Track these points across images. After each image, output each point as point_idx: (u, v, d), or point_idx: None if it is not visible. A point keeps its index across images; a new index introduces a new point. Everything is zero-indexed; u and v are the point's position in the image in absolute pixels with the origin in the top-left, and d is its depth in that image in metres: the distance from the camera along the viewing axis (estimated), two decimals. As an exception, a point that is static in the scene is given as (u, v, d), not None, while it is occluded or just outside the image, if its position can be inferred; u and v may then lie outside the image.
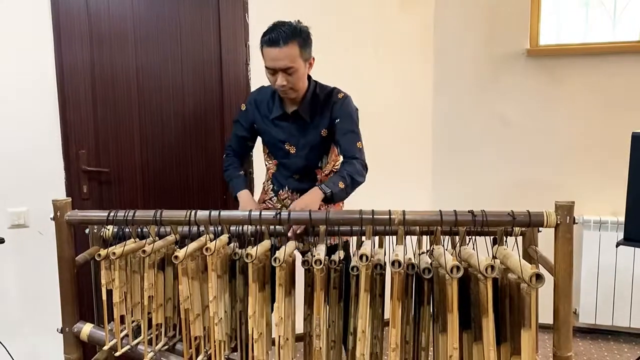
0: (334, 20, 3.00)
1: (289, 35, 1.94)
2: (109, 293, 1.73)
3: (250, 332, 1.64)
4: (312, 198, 1.89)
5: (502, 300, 1.65)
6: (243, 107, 2.27)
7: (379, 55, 3.12)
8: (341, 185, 1.95)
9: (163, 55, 2.68)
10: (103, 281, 1.68)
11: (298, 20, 2.04)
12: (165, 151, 2.74)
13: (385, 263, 1.68)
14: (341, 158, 2.14)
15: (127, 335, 1.78)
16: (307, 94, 2.10)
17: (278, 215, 1.66)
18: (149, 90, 2.67)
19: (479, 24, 3.20)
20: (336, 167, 2.21)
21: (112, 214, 1.70)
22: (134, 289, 1.76)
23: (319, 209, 1.90)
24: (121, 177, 2.67)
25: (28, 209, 2.53)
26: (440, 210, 1.63)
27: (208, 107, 2.80)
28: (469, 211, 1.63)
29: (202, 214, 1.67)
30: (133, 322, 1.81)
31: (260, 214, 1.67)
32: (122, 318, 1.76)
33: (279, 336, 1.63)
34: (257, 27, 2.83)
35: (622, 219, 3.01)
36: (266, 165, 2.32)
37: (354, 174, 2.00)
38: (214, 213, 1.67)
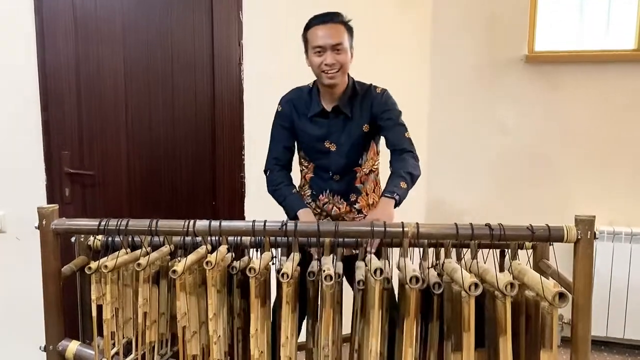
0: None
1: (337, 16, 1.99)
2: (99, 308, 1.60)
3: (252, 352, 1.53)
4: (387, 210, 1.80)
5: (518, 318, 1.57)
6: (279, 109, 2.14)
7: (374, 59, 3.03)
8: (403, 185, 1.87)
9: (152, 53, 2.55)
10: (93, 296, 1.55)
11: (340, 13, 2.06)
12: (153, 154, 2.61)
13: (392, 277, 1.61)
14: (387, 153, 2.08)
15: (117, 353, 1.65)
16: (346, 88, 2.06)
17: (284, 227, 1.56)
18: (137, 90, 2.54)
19: (477, 29, 3.14)
20: (375, 167, 2.17)
21: (103, 222, 1.57)
22: (126, 303, 1.63)
23: None
24: (106, 181, 2.53)
25: (5, 213, 2.38)
26: (455, 224, 1.55)
27: (199, 109, 2.68)
28: (485, 224, 1.55)
29: (202, 224, 1.56)
30: (122, 338, 1.69)
31: (265, 223, 1.56)
32: (110, 334, 1.64)
33: (285, 357, 1.53)
34: (251, 25, 2.73)
35: (618, 228, 3.00)
36: (302, 170, 2.20)
37: (411, 168, 1.93)
38: (214, 223, 1.56)
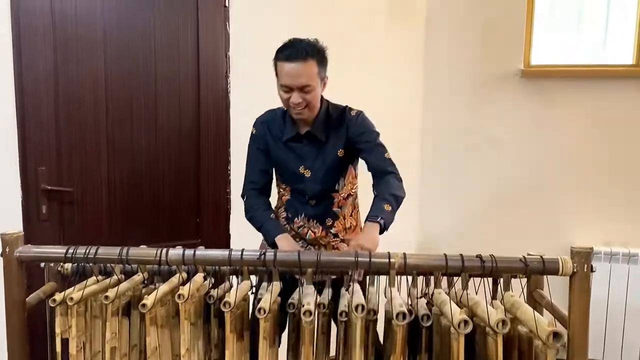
0: (319, 35, 2.81)
1: (308, 52, 1.83)
2: (64, 342, 1.50)
3: (227, 389, 1.44)
4: (372, 236, 1.72)
5: (510, 353, 1.49)
6: (254, 131, 2.06)
7: (366, 73, 2.96)
8: (387, 208, 1.79)
9: (135, 65, 2.46)
10: (57, 330, 1.46)
11: (315, 39, 1.92)
12: (135, 169, 2.51)
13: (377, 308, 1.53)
14: (367, 175, 2.00)
15: (84, 388, 1.55)
16: (319, 113, 1.97)
17: (262, 256, 1.47)
18: (119, 103, 2.44)
19: (472, 43, 3.06)
20: (354, 190, 2.09)
21: (70, 250, 1.48)
22: (94, 336, 1.54)
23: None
24: (85, 198, 2.43)
25: (-21, 231, 2.27)
26: (445, 255, 1.46)
27: (183, 123, 2.59)
28: (477, 256, 1.47)
29: (175, 253, 1.47)
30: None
31: (242, 253, 1.47)
32: (79, 369, 1.54)
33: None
34: (238, 37, 2.65)
35: (615, 249, 2.92)
36: (279, 191, 2.12)
37: (395, 190, 1.85)
38: (188, 252, 1.47)
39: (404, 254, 1.46)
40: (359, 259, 1.46)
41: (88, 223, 2.44)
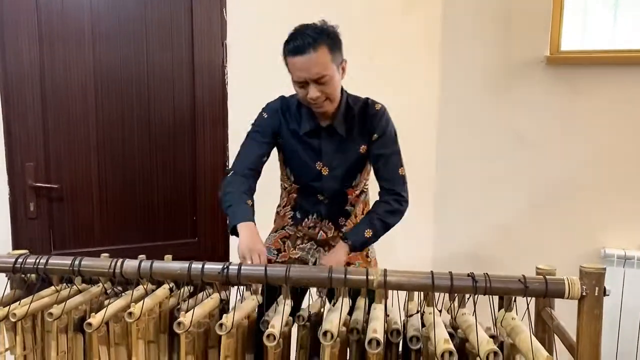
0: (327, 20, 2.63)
1: (315, 38, 1.65)
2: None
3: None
4: (338, 256, 1.73)
5: (507, 385, 1.30)
6: (264, 116, 1.86)
7: (378, 62, 2.75)
8: (368, 234, 1.76)
9: (126, 55, 2.34)
10: (1, 348, 1.34)
11: (323, 20, 1.74)
12: (127, 165, 2.40)
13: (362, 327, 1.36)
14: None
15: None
16: (340, 105, 1.80)
17: (225, 270, 1.31)
18: (109, 96, 2.33)
19: (492, 27, 2.80)
20: (366, 187, 1.96)
21: (20, 260, 1.36)
22: (48, 352, 1.42)
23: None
24: (75, 195, 2.33)
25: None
26: (432, 272, 1.28)
27: (177, 115, 2.46)
28: (468, 274, 1.28)
29: (130, 265, 1.33)
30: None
31: (203, 267, 1.32)
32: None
33: None
34: (236, 24, 2.50)
35: (649, 254, 2.64)
36: (284, 186, 1.95)
37: (387, 216, 1.80)
38: (145, 264, 1.33)
39: (385, 270, 1.28)
40: (333, 275, 1.29)
41: (79, 221, 2.36)
